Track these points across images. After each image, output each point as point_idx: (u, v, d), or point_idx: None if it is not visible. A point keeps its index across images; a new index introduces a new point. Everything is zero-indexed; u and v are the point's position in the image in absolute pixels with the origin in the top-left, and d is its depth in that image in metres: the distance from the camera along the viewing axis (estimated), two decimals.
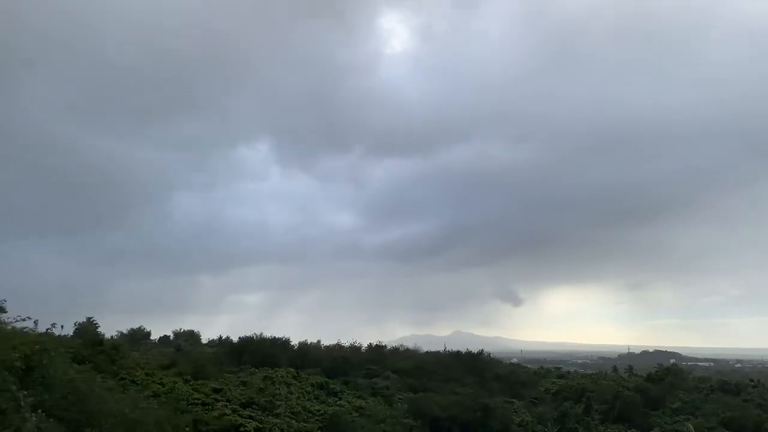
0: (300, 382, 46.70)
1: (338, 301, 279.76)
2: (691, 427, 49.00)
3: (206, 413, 31.59)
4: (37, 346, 18.49)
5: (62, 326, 39.40)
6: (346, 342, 69.69)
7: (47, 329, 32.80)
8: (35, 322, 30.90)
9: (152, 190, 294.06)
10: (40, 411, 15.65)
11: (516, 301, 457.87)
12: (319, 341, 70.69)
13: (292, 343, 64.45)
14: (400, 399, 48.11)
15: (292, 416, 35.88)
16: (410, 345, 78.80)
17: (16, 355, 17.16)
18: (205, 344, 72.22)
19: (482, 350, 69.40)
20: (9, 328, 23.59)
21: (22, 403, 15.02)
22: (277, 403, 37.66)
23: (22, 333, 23.45)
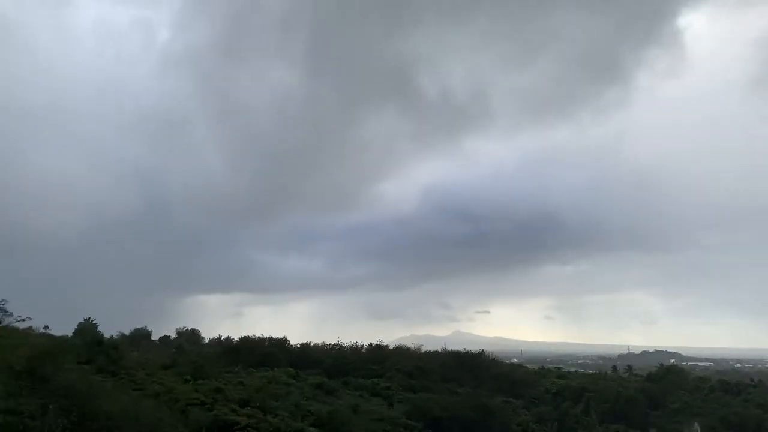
0: (299, 382, 46.70)
1: (313, 313, 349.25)
2: (697, 427, 48.99)
3: (206, 413, 31.55)
4: (43, 349, 18.52)
5: (63, 322, 39.23)
6: (346, 342, 69.74)
7: (45, 327, 32.72)
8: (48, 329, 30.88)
9: None
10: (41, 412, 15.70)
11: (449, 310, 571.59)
12: (323, 342, 70.70)
13: (292, 344, 64.54)
14: (400, 399, 48.08)
15: (291, 416, 35.85)
16: (410, 345, 78.56)
17: (20, 358, 17.18)
18: (206, 344, 72.30)
19: (482, 350, 69.32)
20: (10, 327, 23.61)
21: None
22: (276, 403, 37.67)
23: (25, 334, 23.47)
